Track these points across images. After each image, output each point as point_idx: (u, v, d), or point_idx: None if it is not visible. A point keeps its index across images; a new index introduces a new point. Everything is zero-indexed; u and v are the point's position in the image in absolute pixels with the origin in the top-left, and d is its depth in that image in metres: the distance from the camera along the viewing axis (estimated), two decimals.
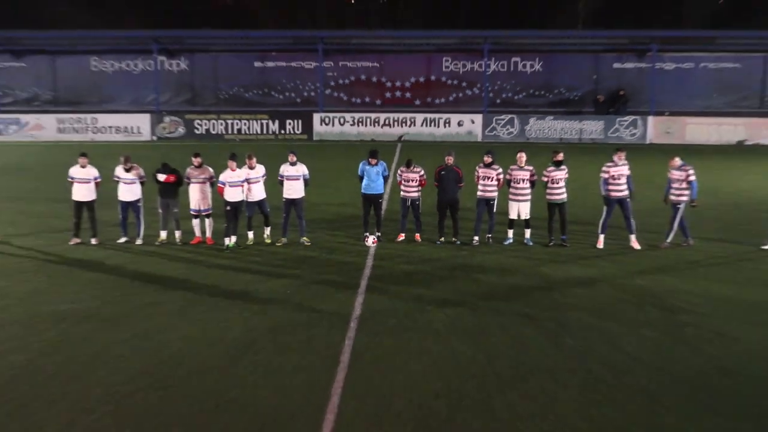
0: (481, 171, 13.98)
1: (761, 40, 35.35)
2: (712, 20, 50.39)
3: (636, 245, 13.75)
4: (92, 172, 14.13)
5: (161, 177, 13.96)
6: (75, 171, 14.06)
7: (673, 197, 13.77)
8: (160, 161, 14.29)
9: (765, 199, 18.38)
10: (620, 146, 14.81)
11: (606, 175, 13.75)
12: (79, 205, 14.05)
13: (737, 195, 19.52)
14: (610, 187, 13.72)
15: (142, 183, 14.11)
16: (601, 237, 13.89)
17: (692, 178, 13.61)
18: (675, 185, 13.74)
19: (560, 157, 13.91)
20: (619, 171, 13.70)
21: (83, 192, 14.00)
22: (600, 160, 14.90)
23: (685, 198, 13.65)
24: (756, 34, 36.06)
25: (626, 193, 13.70)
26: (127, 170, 13.92)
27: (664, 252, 13.55)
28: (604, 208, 13.86)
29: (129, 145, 29.93)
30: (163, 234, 14.21)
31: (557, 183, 13.81)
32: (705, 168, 24.51)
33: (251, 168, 13.95)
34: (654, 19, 49.98)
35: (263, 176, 14.11)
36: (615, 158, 13.80)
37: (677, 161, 13.83)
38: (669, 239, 13.84)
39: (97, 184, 14.14)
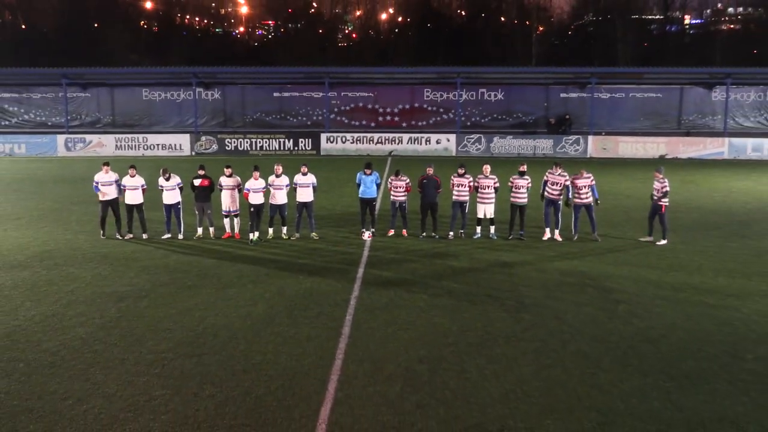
0: (456, 180, 13.95)
1: (678, 75, 35.68)
2: (639, 60, 50.62)
3: (548, 236, 13.88)
4: (139, 180, 13.94)
5: (197, 182, 13.83)
6: (126, 180, 13.89)
7: (579, 200, 13.80)
8: (198, 171, 14.14)
9: (681, 202, 18.39)
10: (558, 161, 14.88)
11: (545, 178, 13.96)
12: (130, 207, 13.89)
13: None
14: (548, 190, 13.84)
15: (180, 189, 13.96)
16: (547, 231, 13.94)
17: (593, 183, 13.76)
18: (583, 191, 13.77)
19: (524, 168, 13.99)
20: (556, 179, 13.79)
21: (133, 197, 13.84)
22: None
23: (590, 200, 13.74)
24: (674, 71, 36.58)
25: (560, 197, 13.80)
26: (167, 179, 13.79)
27: (599, 244, 13.56)
28: (545, 209, 13.97)
29: (172, 159, 29.76)
30: (200, 230, 14.09)
31: (519, 189, 13.83)
32: (632, 177, 24.63)
33: (277, 176, 13.79)
34: (593, 58, 50.16)
35: (287, 186, 13.94)
36: (553, 169, 13.93)
37: (585, 173, 13.85)
38: (596, 233, 13.91)
39: (143, 190, 13.98)
